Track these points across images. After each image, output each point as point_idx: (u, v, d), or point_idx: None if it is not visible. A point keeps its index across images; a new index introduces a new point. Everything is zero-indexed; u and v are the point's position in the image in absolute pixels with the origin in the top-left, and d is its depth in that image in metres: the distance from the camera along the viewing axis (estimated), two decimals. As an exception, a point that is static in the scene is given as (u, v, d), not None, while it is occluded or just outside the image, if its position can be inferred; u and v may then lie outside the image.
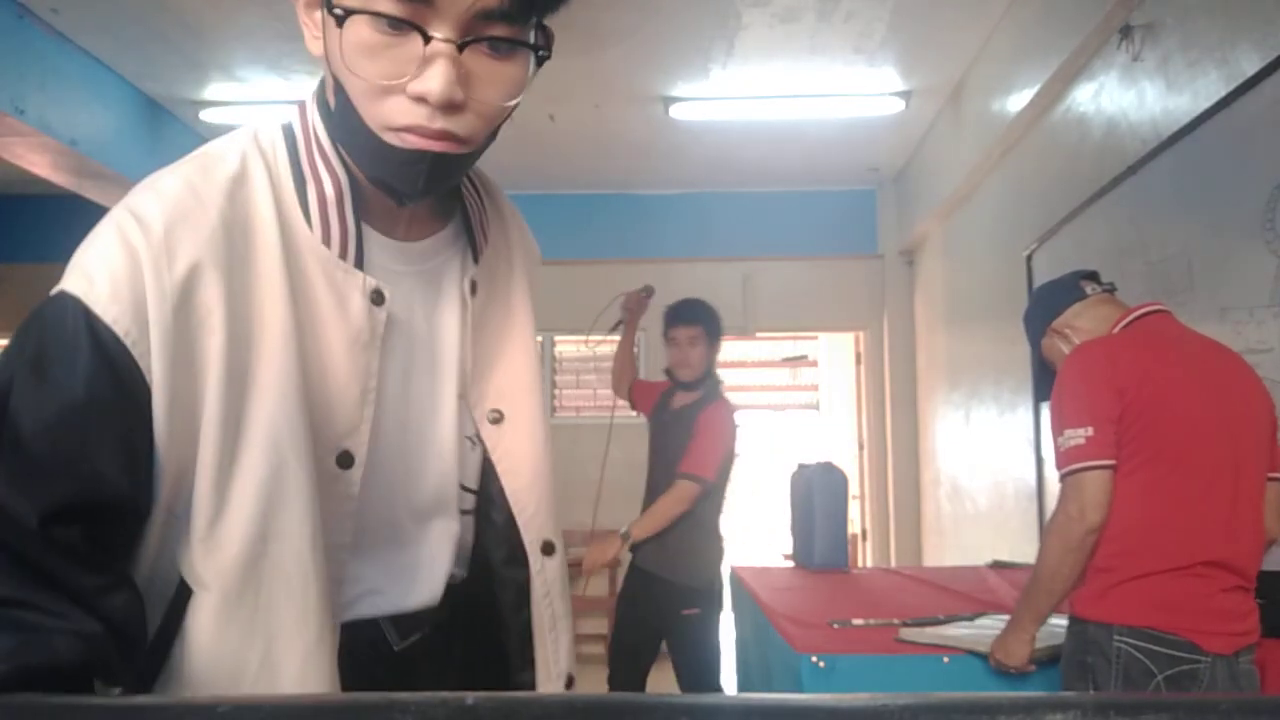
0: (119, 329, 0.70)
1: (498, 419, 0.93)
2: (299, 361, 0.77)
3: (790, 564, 4.21)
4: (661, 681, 4.26)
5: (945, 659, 2.30)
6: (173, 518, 0.75)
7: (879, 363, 7.27)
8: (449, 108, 0.75)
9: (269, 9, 4.65)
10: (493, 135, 0.84)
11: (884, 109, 5.71)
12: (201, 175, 0.82)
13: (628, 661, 3.73)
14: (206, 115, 5.85)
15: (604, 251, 7.44)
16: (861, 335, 7.38)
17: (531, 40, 0.79)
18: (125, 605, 0.71)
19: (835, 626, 2.60)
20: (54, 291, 0.73)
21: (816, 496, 4.00)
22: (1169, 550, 1.97)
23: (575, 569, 7.20)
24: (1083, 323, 2.26)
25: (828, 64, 5.23)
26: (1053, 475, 2.22)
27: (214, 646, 0.75)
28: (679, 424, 3.73)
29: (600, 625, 6.68)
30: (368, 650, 0.89)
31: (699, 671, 3.59)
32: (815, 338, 8.85)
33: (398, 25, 0.72)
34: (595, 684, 4.54)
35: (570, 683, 0.99)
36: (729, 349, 7.62)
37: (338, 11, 0.73)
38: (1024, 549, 4.52)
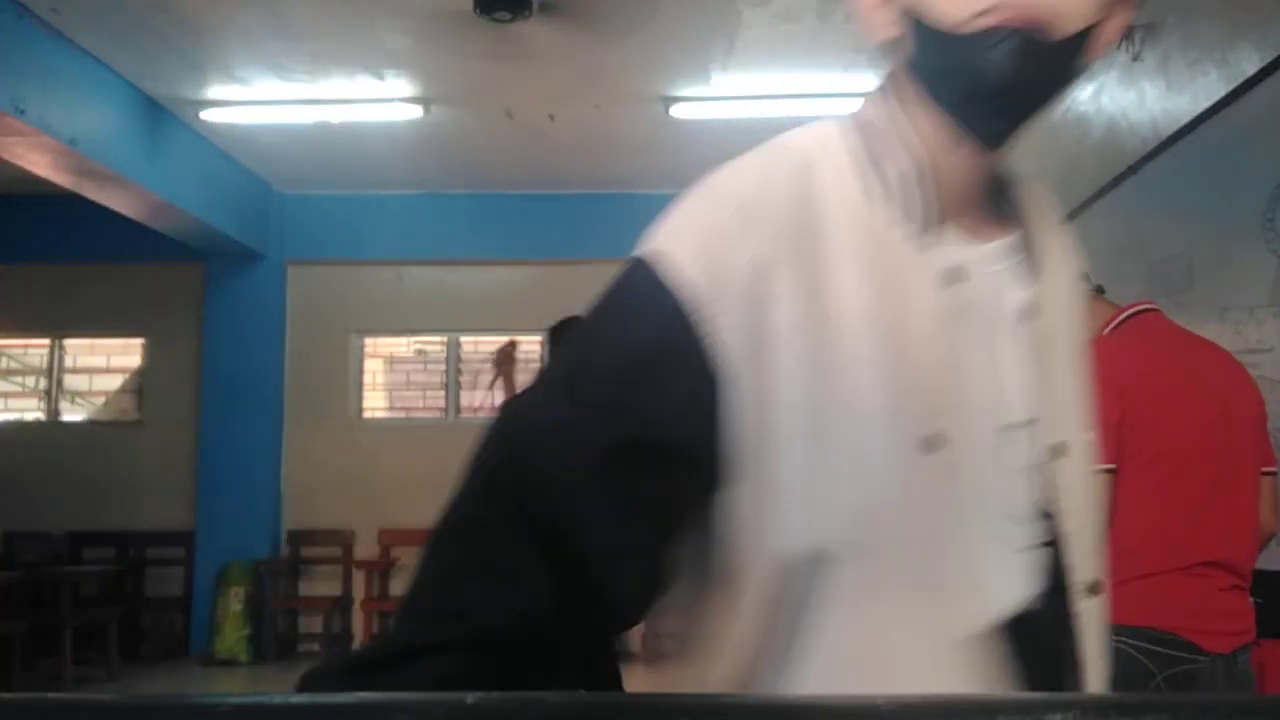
0: (693, 293, 0.72)
1: (1061, 452, 0.85)
2: (876, 343, 0.75)
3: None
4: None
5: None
6: (755, 503, 0.74)
7: (879, 363, 7.27)
8: None
9: (269, 9, 4.65)
10: (1082, 49, 0.76)
11: (884, 109, 5.71)
12: (774, 161, 0.80)
13: None
14: (206, 115, 5.86)
15: (604, 251, 7.41)
16: (861, 335, 7.38)
17: None
18: (642, 576, 0.71)
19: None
20: (638, 251, 0.76)
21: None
22: (1169, 550, 1.97)
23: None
24: None
25: (828, 64, 5.23)
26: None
27: (836, 641, 0.72)
28: None
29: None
30: None
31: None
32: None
33: None
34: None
35: None
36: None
37: None
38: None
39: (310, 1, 4.61)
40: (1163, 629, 1.93)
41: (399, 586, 7.19)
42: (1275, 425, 2.27)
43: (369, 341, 7.76)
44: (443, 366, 7.68)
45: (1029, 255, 0.87)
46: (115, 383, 7.78)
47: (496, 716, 0.32)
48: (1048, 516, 0.82)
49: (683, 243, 0.75)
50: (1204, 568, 1.96)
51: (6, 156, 5.00)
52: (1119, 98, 3.59)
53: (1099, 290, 2.32)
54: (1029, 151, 0.90)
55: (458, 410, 7.60)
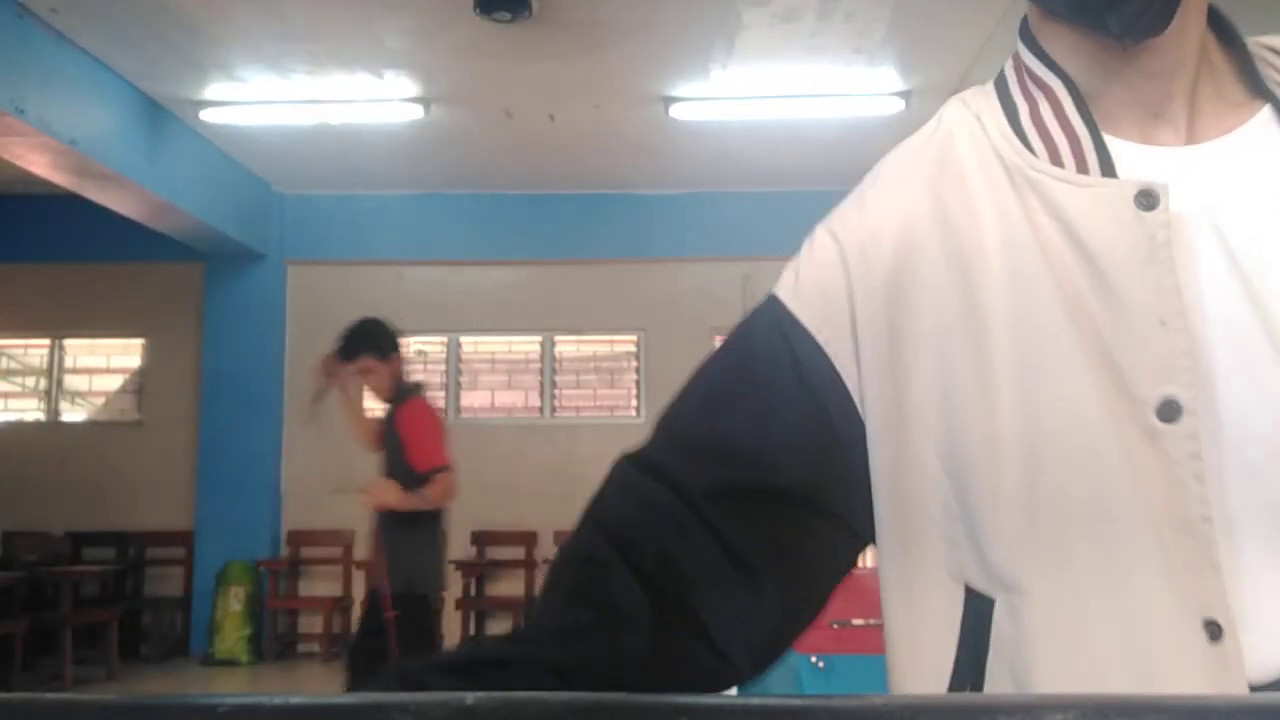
0: (813, 329, 0.69)
1: None
2: (1064, 306, 0.63)
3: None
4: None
5: (945, 659, 2.30)
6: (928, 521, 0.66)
7: (879, 363, 7.27)
8: None
9: (269, 9, 4.65)
10: None
11: (884, 109, 5.72)
12: (903, 147, 0.77)
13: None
14: (206, 115, 5.86)
15: (604, 251, 7.44)
16: (862, 335, 7.38)
17: None
18: (749, 618, 0.67)
19: (835, 626, 2.60)
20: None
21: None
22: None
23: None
24: None
25: (828, 64, 5.24)
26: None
27: (1045, 655, 0.62)
28: (389, 432, 3.78)
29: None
30: None
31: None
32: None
33: None
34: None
35: None
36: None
37: None
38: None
39: (310, 1, 4.61)
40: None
41: (399, 586, 7.20)
42: None
43: (369, 341, 7.75)
44: (443, 366, 7.68)
45: None
46: (115, 383, 7.78)
47: (496, 716, 0.32)
48: None
49: (799, 277, 0.73)
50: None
51: (6, 156, 5.00)
52: None
53: None
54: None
55: (458, 410, 7.59)
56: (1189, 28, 0.65)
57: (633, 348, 7.62)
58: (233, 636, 6.80)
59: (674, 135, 6.21)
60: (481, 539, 7.22)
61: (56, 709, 0.34)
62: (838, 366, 0.68)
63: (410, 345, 7.80)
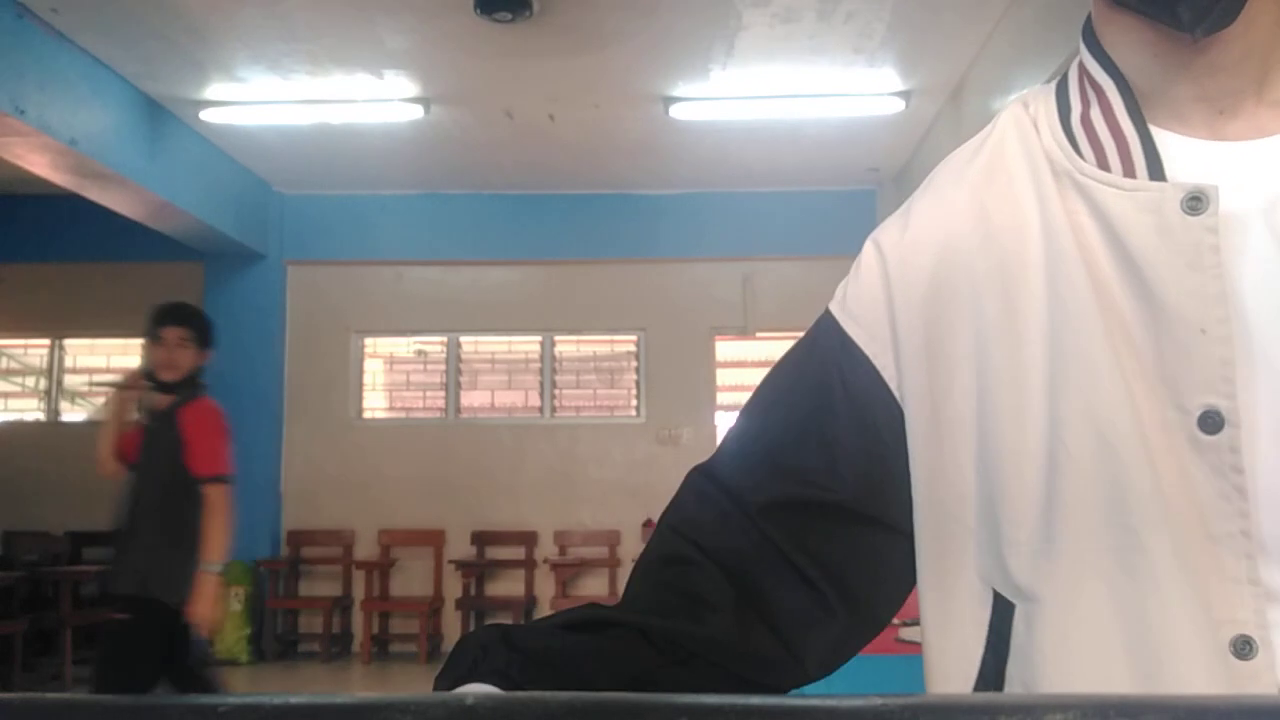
0: (861, 342, 0.71)
1: None
2: (1101, 316, 0.62)
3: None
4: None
5: (945, 659, 2.30)
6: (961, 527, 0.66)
7: (879, 363, 7.27)
8: None
9: (269, 9, 4.65)
10: None
11: (884, 109, 5.72)
12: (955, 154, 0.75)
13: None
14: (206, 115, 5.86)
15: (604, 251, 7.44)
16: (861, 335, 7.38)
17: None
18: (810, 618, 0.69)
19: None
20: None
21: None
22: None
23: (571, 570, 7.18)
24: None
25: (827, 64, 5.24)
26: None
27: (1054, 665, 0.62)
28: (164, 424, 3.50)
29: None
30: None
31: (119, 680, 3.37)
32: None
33: None
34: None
35: None
36: (729, 349, 7.63)
37: None
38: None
39: (310, 1, 4.61)
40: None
41: (399, 586, 7.20)
42: None
43: (369, 341, 7.76)
44: (443, 367, 7.68)
45: None
46: (115, 383, 7.79)
47: (496, 716, 0.32)
48: None
49: (849, 293, 0.73)
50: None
51: (6, 156, 5.00)
52: (1119, 98, 3.60)
53: None
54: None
55: (458, 410, 7.60)
56: (1259, 19, 0.63)
57: (633, 347, 7.62)
58: (233, 636, 6.80)
59: (674, 135, 6.21)
60: (481, 539, 7.22)
61: (56, 709, 0.34)
62: (886, 379, 0.70)
63: (410, 345, 7.82)
